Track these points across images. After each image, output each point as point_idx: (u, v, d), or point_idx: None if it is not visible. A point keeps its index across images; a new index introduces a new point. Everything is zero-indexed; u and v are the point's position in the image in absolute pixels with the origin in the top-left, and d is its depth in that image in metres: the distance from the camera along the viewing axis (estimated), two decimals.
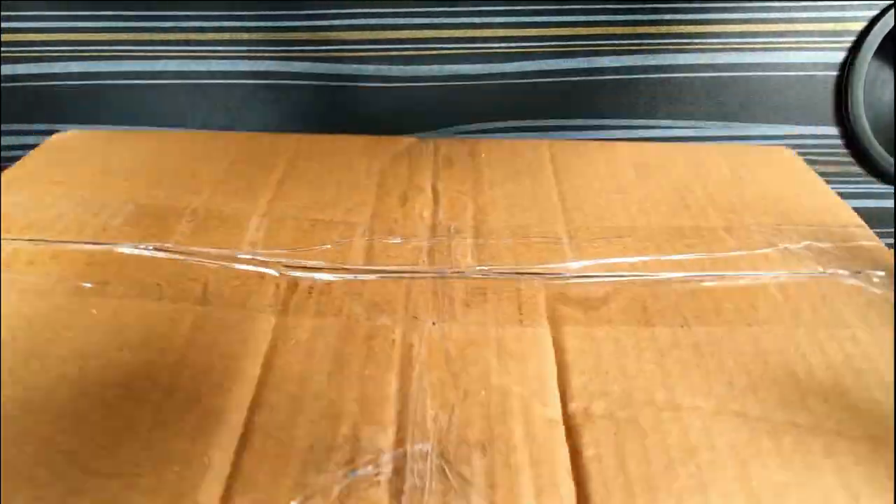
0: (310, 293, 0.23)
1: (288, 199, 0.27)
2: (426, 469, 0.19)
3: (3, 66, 0.34)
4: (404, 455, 0.18)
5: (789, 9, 0.33)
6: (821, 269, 0.25)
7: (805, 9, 0.33)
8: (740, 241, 0.26)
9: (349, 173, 0.29)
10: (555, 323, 0.23)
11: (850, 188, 0.34)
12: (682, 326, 0.23)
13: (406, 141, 0.30)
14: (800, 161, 0.29)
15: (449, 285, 0.24)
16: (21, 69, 0.34)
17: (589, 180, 0.29)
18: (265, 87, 0.34)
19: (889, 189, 0.34)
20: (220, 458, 0.18)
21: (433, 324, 0.23)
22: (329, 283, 0.24)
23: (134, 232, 0.26)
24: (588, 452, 0.19)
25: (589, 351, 0.22)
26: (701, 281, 0.24)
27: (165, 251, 0.25)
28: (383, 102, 0.34)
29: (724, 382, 0.21)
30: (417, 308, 0.23)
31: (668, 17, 0.33)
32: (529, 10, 0.33)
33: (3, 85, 0.34)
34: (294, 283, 0.24)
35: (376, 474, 0.18)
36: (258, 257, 0.25)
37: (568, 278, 0.24)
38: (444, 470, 0.19)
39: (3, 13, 0.33)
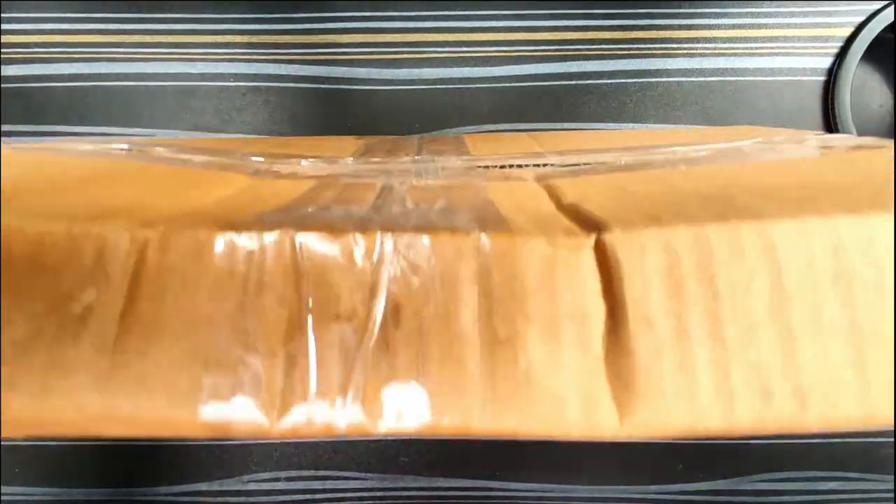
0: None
1: None
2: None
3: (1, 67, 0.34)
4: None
5: (777, 14, 0.33)
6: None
7: (793, 14, 0.33)
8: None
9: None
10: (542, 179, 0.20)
11: None
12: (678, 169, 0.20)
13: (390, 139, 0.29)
14: None
15: (434, 171, 0.21)
16: (11, 70, 0.34)
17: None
18: (256, 90, 0.34)
19: None
20: None
21: (414, 180, 0.19)
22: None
23: None
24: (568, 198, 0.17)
25: (578, 187, 0.18)
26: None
27: None
28: (374, 105, 0.34)
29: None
30: (396, 181, 0.19)
31: (658, 21, 0.33)
32: (520, 14, 0.33)
33: (1, 86, 0.34)
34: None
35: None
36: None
37: (555, 165, 0.22)
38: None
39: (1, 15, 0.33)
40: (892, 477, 0.37)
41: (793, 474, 0.37)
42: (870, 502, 0.37)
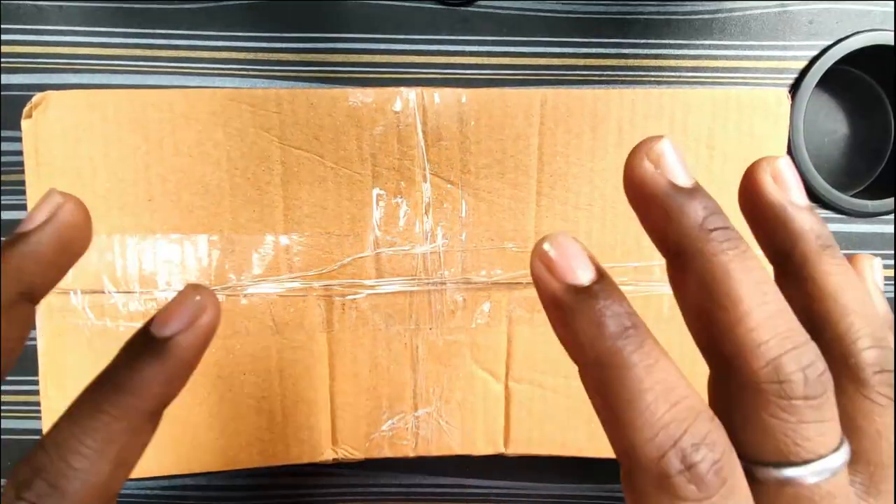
0: (343, 310, 0.32)
1: (299, 208, 0.31)
2: (430, 421, 0.34)
3: (2, 76, 0.35)
4: (417, 414, 0.34)
5: (737, 47, 0.36)
6: None
7: (752, 48, 0.36)
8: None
9: (345, 162, 0.31)
10: (511, 322, 0.33)
11: None
12: None
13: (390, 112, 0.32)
14: (782, 115, 0.32)
15: (439, 296, 0.33)
16: (16, 79, 0.35)
17: (570, 157, 0.32)
18: None
19: (827, 214, 0.37)
20: (324, 421, 0.34)
21: (430, 329, 0.33)
22: (355, 300, 0.32)
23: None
24: (514, 406, 0.34)
25: (529, 344, 0.34)
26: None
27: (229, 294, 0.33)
28: None
29: None
30: (419, 317, 0.33)
31: (627, 51, 0.36)
32: (500, 40, 0.36)
33: (2, 94, 0.35)
34: (331, 303, 0.33)
35: (405, 425, 0.34)
36: (300, 285, 0.33)
37: (526, 285, 0.29)
38: (438, 421, 0.34)
39: (2, 25, 0.35)
40: None
41: None
42: None
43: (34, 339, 0.33)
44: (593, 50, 0.36)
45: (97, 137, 0.31)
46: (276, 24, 0.35)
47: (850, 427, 0.14)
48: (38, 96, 0.31)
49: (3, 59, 0.35)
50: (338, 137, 0.31)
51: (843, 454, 0.14)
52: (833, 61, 0.36)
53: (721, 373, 0.14)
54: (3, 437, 0.38)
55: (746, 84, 0.36)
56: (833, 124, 0.38)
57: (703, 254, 0.14)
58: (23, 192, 0.36)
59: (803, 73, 0.36)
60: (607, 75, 0.36)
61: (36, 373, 0.32)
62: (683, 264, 0.14)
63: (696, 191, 0.14)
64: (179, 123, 0.31)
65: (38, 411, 0.37)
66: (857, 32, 0.35)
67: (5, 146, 0.36)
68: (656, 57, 0.36)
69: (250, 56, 0.35)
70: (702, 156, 0.31)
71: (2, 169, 0.36)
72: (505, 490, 0.39)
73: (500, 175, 0.31)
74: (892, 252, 0.37)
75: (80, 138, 0.31)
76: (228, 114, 0.31)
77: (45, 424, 0.32)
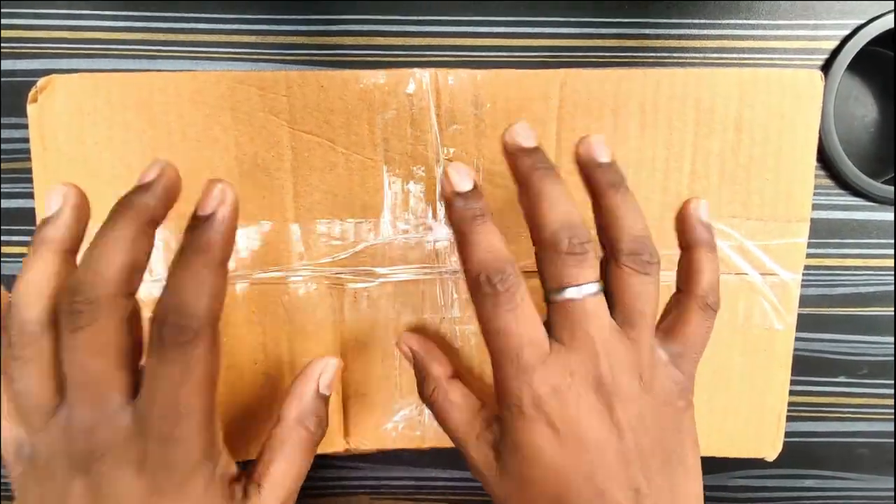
0: (355, 298, 0.31)
1: (309, 195, 0.30)
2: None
3: (4, 62, 0.35)
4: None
5: (764, 27, 0.34)
6: (735, 273, 0.31)
7: (779, 27, 0.34)
8: None
9: (356, 147, 0.30)
10: None
11: (821, 199, 0.35)
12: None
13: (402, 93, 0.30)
14: (815, 97, 0.31)
15: (452, 284, 0.32)
16: (23, 65, 0.35)
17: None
18: None
19: (857, 201, 0.36)
20: (336, 411, 0.33)
21: (442, 318, 0.32)
22: (366, 289, 0.31)
23: None
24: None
25: None
26: None
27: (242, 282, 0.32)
28: None
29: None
30: (431, 306, 0.32)
31: (648, 31, 0.34)
32: (519, 20, 0.34)
33: (3, 79, 0.35)
34: (342, 292, 0.32)
35: (417, 415, 0.33)
36: (310, 273, 0.32)
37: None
38: None
39: (3, 10, 0.34)
40: (866, 476, 0.38)
41: (772, 471, 0.38)
42: (845, 499, 0.38)
43: None
44: (614, 31, 0.34)
45: (103, 122, 0.30)
46: (286, 6, 0.34)
47: (612, 286, 0.25)
48: (43, 80, 0.30)
49: (6, 45, 0.34)
50: (349, 121, 0.30)
51: (595, 286, 0.23)
52: (865, 41, 0.34)
53: (534, 243, 0.24)
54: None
55: (774, 66, 0.35)
56: (864, 108, 0.37)
57: (527, 176, 0.24)
58: (23, 181, 0.35)
59: (834, 54, 0.34)
60: (629, 57, 0.34)
61: None
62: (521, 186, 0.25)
63: (536, 149, 0.25)
64: (186, 108, 0.30)
65: None
66: (891, 11, 0.34)
67: (6, 133, 0.35)
68: (680, 38, 0.34)
69: (258, 39, 0.34)
70: (728, 139, 0.30)
71: (2, 157, 0.35)
72: None
73: None
74: (892, 242, 0.36)
75: (86, 123, 0.30)
76: (236, 97, 0.30)
77: None
